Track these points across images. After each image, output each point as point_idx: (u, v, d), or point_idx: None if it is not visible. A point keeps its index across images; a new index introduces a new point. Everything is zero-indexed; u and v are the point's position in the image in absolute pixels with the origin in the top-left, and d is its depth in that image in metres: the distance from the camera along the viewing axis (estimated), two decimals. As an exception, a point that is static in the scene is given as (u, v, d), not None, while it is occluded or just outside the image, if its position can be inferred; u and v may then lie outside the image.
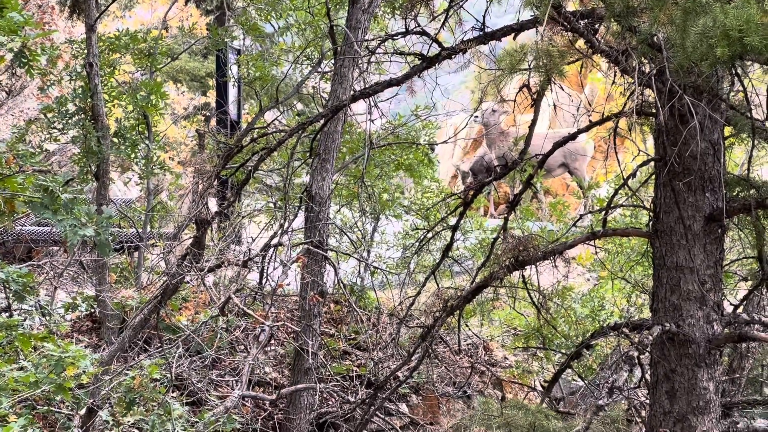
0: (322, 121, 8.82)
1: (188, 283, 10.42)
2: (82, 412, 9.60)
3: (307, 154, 9.42)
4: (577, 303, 13.61)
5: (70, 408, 9.88)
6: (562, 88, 7.67)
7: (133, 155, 12.22)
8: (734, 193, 7.94)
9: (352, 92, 8.36)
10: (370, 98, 11.50)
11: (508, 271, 8.12)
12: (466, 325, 11.97)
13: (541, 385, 13.77)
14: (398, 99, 14.24)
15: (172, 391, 10.78)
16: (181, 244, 12.06)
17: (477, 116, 22.84)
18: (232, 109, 18.59)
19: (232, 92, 18.58)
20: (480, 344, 14.82)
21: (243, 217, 12.39)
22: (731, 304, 9.18)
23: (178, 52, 18.25)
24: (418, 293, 9.38)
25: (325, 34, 13.15)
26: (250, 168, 12.69)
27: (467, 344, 14.70)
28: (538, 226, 15.16)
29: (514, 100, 8.26)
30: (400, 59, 8.25)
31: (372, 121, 12.35)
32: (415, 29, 7.92)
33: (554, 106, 8.03)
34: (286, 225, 11.97)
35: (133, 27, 18.68)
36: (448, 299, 8.39)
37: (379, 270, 13.02)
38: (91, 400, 9.51)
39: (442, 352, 14.12)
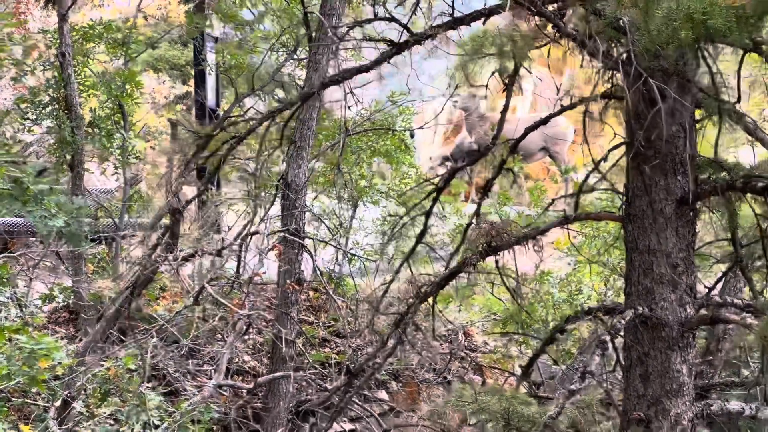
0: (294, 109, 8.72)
1: (162, 273, 10.37)
2: (58, 403, 9.57)
3: (282, 142, 9.31)
4: (555, 287, 13.59)
5: (45, 400, 9.84)
6: (530, 71, 7.63)
7: (108, 145, 12.16)
8: (706, 176, 7.91)
9: (322, 79, 8.28)
10: (343, 84, 11.51)
11: (481, 257, 8.09)
12: (440, 312, 11.89)
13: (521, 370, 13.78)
14: (379, 86, 14.21)
15: (149, 382, 10.74)
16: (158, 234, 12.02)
17: (456, 101, 22.76)
18: (210, 98, 18.47)
19: (210, 80, 18.46)
20: (460, 330, 14.81)
21: (216, 205, 12.32)
22: (706, 287, 9.18)
23: (157, 40, 18.19)
24: (392, 280, 9.35)
25: (300, 21, 13.07)
26: (220, 157, 12.72)
27: (447, 330, 14.68)
28: (516, 211, 15.13)
29: (486, 86, 8.22)
30: (381, 46, 8.15)
31: (348, 107, 12.35)
32: (383, 15, 7.88)
33: (534, 89, 8.01)
34: (262, 213, 11.99)
35: (111, 16, 18.63)
36: (422, 286, 8.36)
37: (356, 257, 12.99)
38: (66, 392, 9.49)
39: (420, 338, 14.09)
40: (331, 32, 10.84)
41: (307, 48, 11.84)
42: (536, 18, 6.83)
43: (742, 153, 10.13)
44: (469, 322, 14.94)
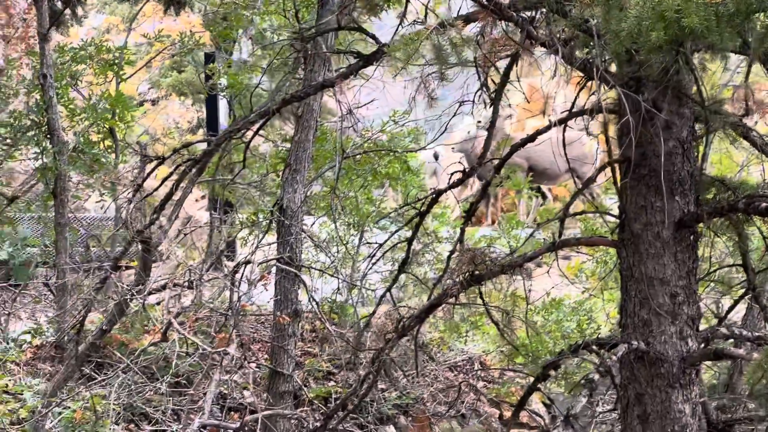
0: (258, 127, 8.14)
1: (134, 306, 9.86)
2: (27, 450, 9.05)
3: (245, 164, 8.77)
4: (564, 316, 12.90)
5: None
6: (505, 82, 6.98)
7: (92, 171, 11.65)
8: (710, 196, 7.24)
9: (283, 98, 7.68)
10: (339, 104, 10.92)
11: (463, 288, 7.45)
12: (422, 346, 11.18)
13: (544, 403, 13.10)
14: (387, 104, 13.63)
15: (133, 423, 10.21)
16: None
17: (480, 122, 22.16)
18: (222, 121, 18.07)
19: (222, 104, 18.05)
20: (476, 360, 14.17)
21: (219, 231, 11.76)
22: (716, 316, 8.51)
23: (183, 65, 17.79)
24: (373, 313, 8.74)
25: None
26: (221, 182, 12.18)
27: (462, 360, 14.04)
28: (523, 235, 14.47)
29: (473, 102, 7.60)
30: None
31: (349, 128, 11.75)
32: (348, 25, 7.28)
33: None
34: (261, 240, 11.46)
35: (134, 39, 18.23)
36: (401, 319, 7.72)
37: (355, 286, 12.37)
38: (34, 436, 8.95)
39: (433, 370, 13.49)
40: (328, 49, 10.37)
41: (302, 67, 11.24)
42: (502, 23, 6.17)
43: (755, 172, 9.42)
44: (486, 351, 14.25)
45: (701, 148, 7.12)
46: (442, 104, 10.43)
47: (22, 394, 9.89)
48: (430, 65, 6.39)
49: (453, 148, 22.32)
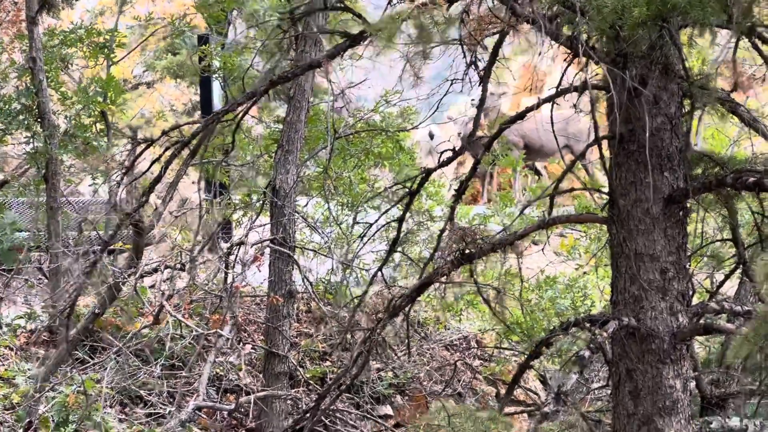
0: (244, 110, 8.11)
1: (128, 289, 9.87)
2: (21, 432, 9.07)
3: (233, 146, 8.76)
4: (558, 294, 12.88)
5: (10, 428, 9.32)
6: (494, 60, 6.95)
7: (84, 155, 11.63)
8: (699, 171, 7.22)
9: (271, 79, 7.66)
10: (331, 84, 10.91)
11: (454, 267, 7.43)
12: (411, 327, 11.13)
13: (541, 381, 13.13)
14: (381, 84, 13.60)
15: (126, 406, 10.23)
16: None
17: (473, 100, 22.03)
18: (216, 103, 18.00)
19: (216, 85, 17.98)
20: (472, 338, 14.17)
21: (207, 213, 11.72)
22: (708, 291, 8.50)
23: (177, 47, 17.72)
24: (365, 293, 8.71)
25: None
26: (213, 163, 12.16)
27: (458, 339, 14.03)
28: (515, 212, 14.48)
29: (462, 80, 7.56)
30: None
31: (343, 107, 11.73)
32: (335, 5, 7.26)
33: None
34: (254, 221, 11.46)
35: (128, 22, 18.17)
36: (392, 299, 7.70)
37: (350, 267, 12.36)
38: (28, 419, 8.96)
39: (429, 348, 13.50)
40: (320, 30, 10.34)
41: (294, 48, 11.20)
42: (488, 0, 6.15)
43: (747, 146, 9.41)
44: (481, 329, 14.24)
45: (694, 123, 7.09)
46: (435, 83, 10.43)
47: (15, 379, 9.90)
48: (413, 44, 6.35)
49: (472, 102, 22.11)
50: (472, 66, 7.26)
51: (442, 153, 8.04)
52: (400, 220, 8.52)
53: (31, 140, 11.12)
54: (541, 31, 6.02)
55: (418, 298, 7.93)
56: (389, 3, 7.75)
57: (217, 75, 16.28)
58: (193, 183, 21.18)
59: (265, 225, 11.70)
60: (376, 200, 13.23)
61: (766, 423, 7.59)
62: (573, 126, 19.51)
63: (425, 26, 6.04)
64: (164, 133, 7.54)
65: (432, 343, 13.67)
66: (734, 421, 7.64)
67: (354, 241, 13.27)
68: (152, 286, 11.85)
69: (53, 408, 8.82)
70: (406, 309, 7.86)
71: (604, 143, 7.22)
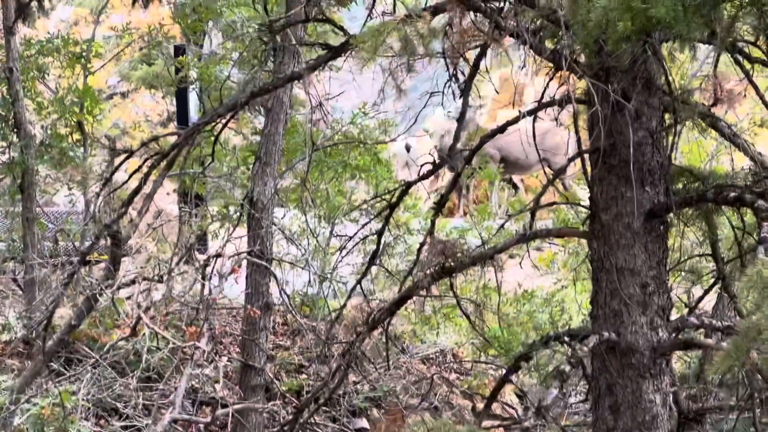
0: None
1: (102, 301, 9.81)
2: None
3: (214, 156, 8.73)
4: (536, 307, 12.88)
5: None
6: (474, 73, 6.93)
7: (60, 165, 11.57)
8: (680, 186, 7.23)
9: (251, 91, 7.63)
10: (309, 95, 10.86)
11: (434, 280, 7.41)
12: (389, 340, 11.06)
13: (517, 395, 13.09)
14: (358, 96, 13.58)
15: (102, 418, 10.15)
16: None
17: (450, 112, 22.07)
18: (192, 114, 17.90)
19: (192, 96, 17.89)
20: (448, 352, 14.14)
21: (159, 224, 11.69)
22: (687, 306, 8.51)
23: (153, 57, 17.63)
24: (343, 306, 8.68)
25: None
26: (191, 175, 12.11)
27: (434, 352, 14.00)
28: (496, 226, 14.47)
29: (443, 92, 7.54)
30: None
31: (319, 120, 11.71)
32: (316, 17, 7.23)
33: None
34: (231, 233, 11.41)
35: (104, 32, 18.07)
36: (371, 313, 7.67)
37: (327, 279, 12.33)
38: (2, 432, 8.87)
39: (405, 362, 13.47)
40: (297, 42, 10.31)
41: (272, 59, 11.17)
42: (471, 14, 6.13)
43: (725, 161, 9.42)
44: (458, 343, 14.21)
45: (671, 138, 7.08)
46: (413, 96, 10.38)
47: (-10, 391, 9.81)
48: (397, 57, 6.33)
49: (449, 114, 22.05)
50: (453, 78, 7.25)
51: (421, 166, 8.02)
52: (380, 233, 8.49)
53: (7, 150, 11.06)
54: (525, 45, 6.01)
55: (397, 312, 7.90)
56: (369, 16, 7.78)
57: (194, 86, 16.21)
58: (168, 194, 21.10)
59: (242, 237, 11.65)
60: (353, 213, 13.20)
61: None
62: (550, 139, 19.56)
63: (409, 38, 6.00)
64: (143, 144, 7.51)
65: (409, 357, 13.63)
66: (713, 436, 7.63)
67: (332, 254, 13.25)
68: (129, 298, 11.79)
69: (28, 420, 8.75)
70: (385, 323, 7.83)
71: (584, 157, 7.20)
